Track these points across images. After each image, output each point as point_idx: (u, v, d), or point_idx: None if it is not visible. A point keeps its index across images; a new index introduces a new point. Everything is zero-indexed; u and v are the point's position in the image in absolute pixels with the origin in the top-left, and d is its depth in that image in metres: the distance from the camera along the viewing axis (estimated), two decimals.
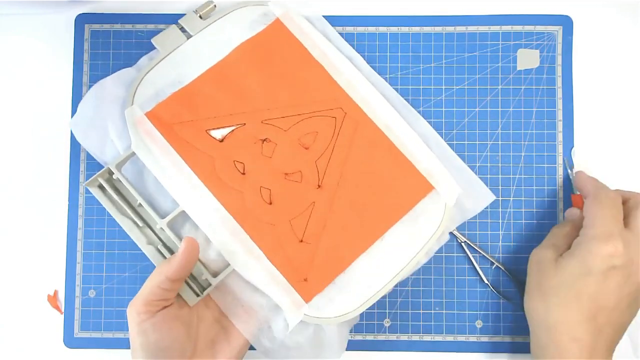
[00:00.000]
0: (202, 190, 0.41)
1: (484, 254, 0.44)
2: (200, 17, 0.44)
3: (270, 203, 0.41)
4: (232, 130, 0.42)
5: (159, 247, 0.41)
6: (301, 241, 0.41)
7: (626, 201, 0.40)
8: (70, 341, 0.44)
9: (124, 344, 0.44)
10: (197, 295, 0.39)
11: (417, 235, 0.42)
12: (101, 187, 0.41)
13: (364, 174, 0.42)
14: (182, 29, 0.43)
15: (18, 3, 0.46)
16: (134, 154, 0.41)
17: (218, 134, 0.42)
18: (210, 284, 0.39)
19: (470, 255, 0.44)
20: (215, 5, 0.44)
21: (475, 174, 0.45)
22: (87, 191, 0.45)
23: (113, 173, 0.41)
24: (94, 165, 0.45)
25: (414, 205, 0.42)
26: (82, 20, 0.46)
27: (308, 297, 0.40)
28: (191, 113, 0.42)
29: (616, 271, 0.37)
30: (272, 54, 0.43)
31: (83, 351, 0.44)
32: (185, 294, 0.39)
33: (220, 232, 0.40)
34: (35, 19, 0.46)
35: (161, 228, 0.40)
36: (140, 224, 0.41)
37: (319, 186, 0.42)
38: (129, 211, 0.41)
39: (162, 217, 0.41)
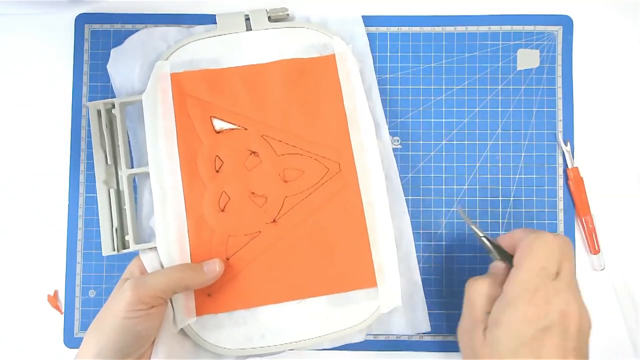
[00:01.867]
0: (174, 165, 0.41)
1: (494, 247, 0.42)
2: (269, 18, 0.44)
3: (223, 210, 0.41)
4: (232, 129, 0.42)
5: (110, 190, 0.42)
6: (227, 259, 0.41)
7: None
8: (70, 341, 0.44)
9: None
10: (113, 249, 0.41)
11: (335, 319, 0.41)
12: (99, 113, 0.42)
13: (321, 234, 0.41)
14: (247, 19, 0.44)
15: (18, 3, 0.46)
16: (141, 101, 0.42)
17: (219, 124, 0.42)
18: (128, 247, 0.41)
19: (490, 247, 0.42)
20: (288, 14, 0.44)
21: (475, 174, 0.45)
22: (87, 191, 0.45)
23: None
24: (93, 166, 0.45)
25: (349, 290, 0.41)
26: (82, 20, 0.46)
27: (201, 311, 0.40)
28: (210, 94, 0.42)
29: (550, 331, 0.32)
30: (310, 82, 0.43)
31: None
32: (104, 243, 0.41)
33: (166, 209, 0.41)
34: (35, 19, 0.46)
35: (122, 176, 0.42)
36: (109, 161, 0.42)
37: (274, 220, 0.41)
38: (107, 145, 0.42)
39: (131, 168, 0.42)
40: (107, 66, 0.44)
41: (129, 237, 0.41)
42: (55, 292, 0.45)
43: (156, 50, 0.44)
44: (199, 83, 0.42)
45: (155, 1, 0.46)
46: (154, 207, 0.41)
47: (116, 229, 0.41)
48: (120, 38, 0.45)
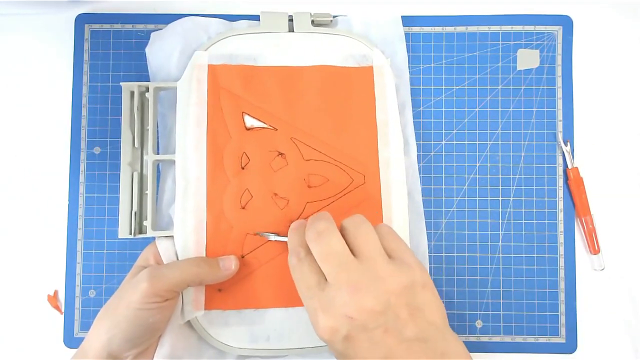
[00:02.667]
0: (201, 157, 0.41)
1: None
2: (312, 22, 0.44)
3: (243, 208, 0.41)
4: (262, 127, 0.42)
5: (134, 173, 0.42)
6: (242, 257, 0.41)
7: (343, 229, 0.34)
8: (70, 341, 0.44)
9: None
10: (130, 232, 0.41)
11: None
12: (132, 95, 0.42)
13: None
14: (290, 20, 0.44)
15: (18, 3, 0.46)
16: (175, 88, 0.42)
17: (250, 121, 0.42)
18: (145, 232, 0.41)
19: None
20: (331, 20, 0.44)
21: (475, 174, 0.45)
22: (87, 191, 0.45)
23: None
24: (93, 165, 0.45)
25: None
26: (82, 20, 0.46)
27: (209, 306, 0.40)
28: (244, 90, 0.42)
29: (353, 337, 0.31)
30: (344, 91, 0.43)
31: None
32: (122, 226, 0.41)
33: (187, 199, 0.41)
34: (35, 19, 0.46)
35: (147, 160, 0.42)
36: (136, 144, 0.42)
37: None
38: (136, 128, 0.42)
39: (157, 154, 0.42)
40: (146, 49, 0.44)
41: (147, 223, 0.41)
42: (55, 292, 0.45)
43: (197, 39, 0.44)
44: (234, 78, 0.42)
45: (155, 1, 0.46)
46: (175, 196, 0.41)
47: (135, 213, 0.41)
48: (120, 38, 0.46)
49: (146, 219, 0.41)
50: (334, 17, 0.45)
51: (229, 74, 0.42)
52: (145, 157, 0.42)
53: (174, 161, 0.42)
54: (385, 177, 0.42)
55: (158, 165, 0.43)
